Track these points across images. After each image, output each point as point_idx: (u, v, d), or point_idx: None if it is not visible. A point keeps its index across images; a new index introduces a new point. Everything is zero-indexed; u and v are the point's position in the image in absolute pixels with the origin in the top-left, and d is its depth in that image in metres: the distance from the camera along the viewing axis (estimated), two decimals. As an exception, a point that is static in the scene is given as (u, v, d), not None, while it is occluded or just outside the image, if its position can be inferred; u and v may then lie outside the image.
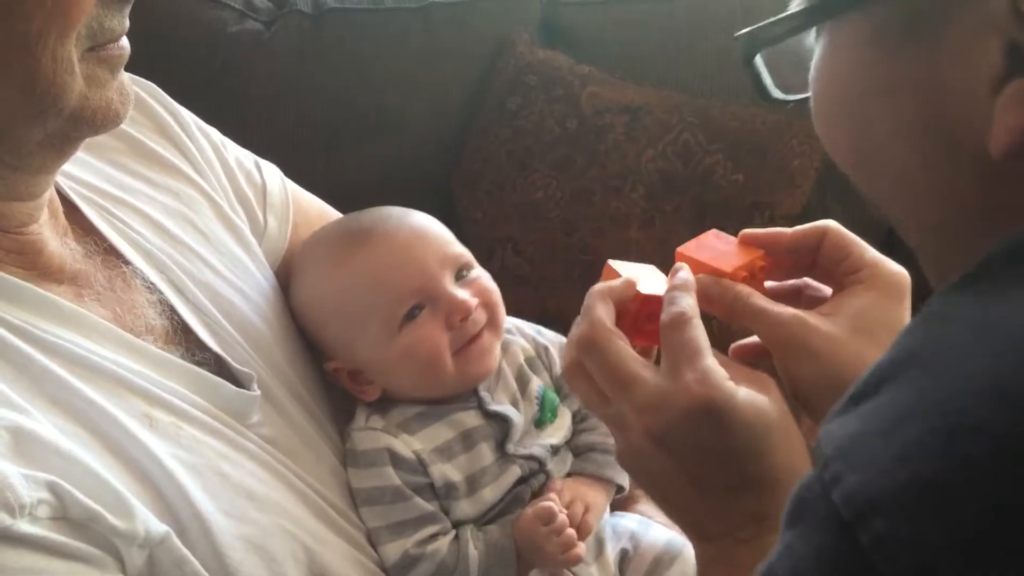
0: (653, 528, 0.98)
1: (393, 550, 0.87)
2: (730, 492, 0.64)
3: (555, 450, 0.95)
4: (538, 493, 0.93)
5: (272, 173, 1.02)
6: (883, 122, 0.49)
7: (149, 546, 0.65)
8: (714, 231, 0.74)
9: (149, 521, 0.65)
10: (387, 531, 0.88)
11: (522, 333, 1.01)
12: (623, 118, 1.76)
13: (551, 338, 1.02)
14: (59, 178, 0.77)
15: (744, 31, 0.55)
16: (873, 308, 0.68)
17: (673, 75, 1.83)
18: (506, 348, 0.98)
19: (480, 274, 0.96)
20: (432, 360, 0.90)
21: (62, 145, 0.70)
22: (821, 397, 0.65)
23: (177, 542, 0.66)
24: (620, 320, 0.69)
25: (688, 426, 0.62)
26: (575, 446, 0.98)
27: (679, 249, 0.73)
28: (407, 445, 0.90)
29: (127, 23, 0.68)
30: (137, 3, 0.69)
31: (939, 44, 0.44)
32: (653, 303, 0.69)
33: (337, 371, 0.95)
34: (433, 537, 0.89)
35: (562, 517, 0.88)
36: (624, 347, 0.66)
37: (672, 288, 0.68)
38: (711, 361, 0.63)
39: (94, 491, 0.62)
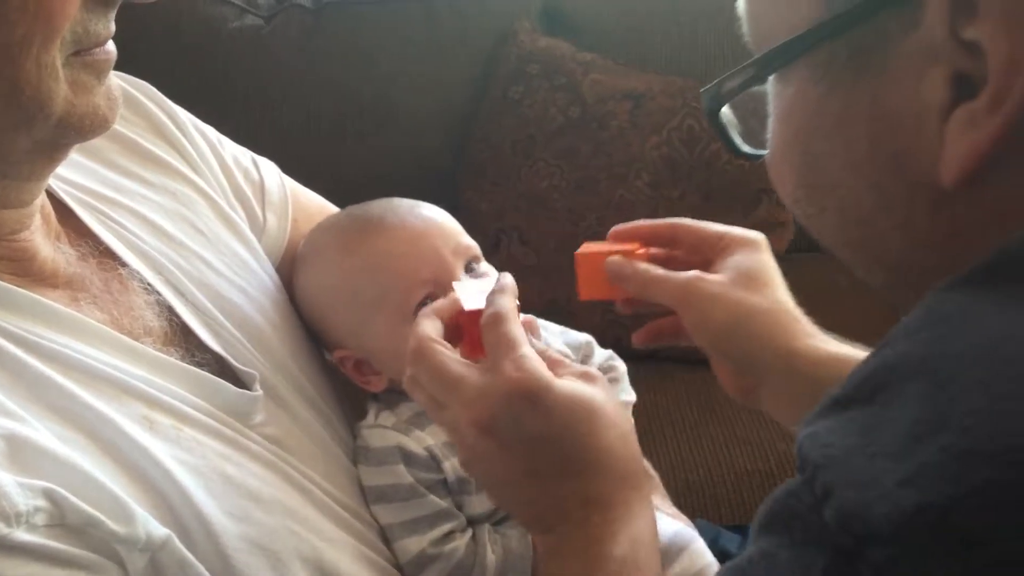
0: (661, 519, 0.96)
1: (409, 546, 0.86)
2: (561, 477, 0.69)
3: None
4: None
5: (270, 169, 1.01)
6: (836, 158, 0.49)
7: (151, 550, 0.64)
8: (586, 243, 0.86)
9: (150, 525, 0.64)
10: (402, 528, 0.87)
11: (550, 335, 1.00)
12: (626, 105, 1.75)
13: (578, 337, 1.02)
14: (51, 181, 0.76)
15: (707, 86, 0.57)
16: (746, 260, 0.79)
17: (677, 60, 1.82)
18: None
19: (488, 269, 0.96)
20: None
21: (51, 152, 0.70)
22: (727, 338, 0.76)
23: (179, 545, 0.66)
24: (460, 340, 0.76)
25: (510, 413, 0.68)
26: None
27: (577, 253, 0.84)
28: (419, 442, 0.89)
29: (112, 27, 0.67)
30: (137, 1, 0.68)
31: (884, 76, 0.44)
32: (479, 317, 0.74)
33: (342, 360, 0.94)
34: (450, 535, 0.88)
35: None
36: (446, 353, 0.72)
37: (492, 292, 0.74)
38: (527, 350, 0.70)
39: (92, 497, 0.62)
